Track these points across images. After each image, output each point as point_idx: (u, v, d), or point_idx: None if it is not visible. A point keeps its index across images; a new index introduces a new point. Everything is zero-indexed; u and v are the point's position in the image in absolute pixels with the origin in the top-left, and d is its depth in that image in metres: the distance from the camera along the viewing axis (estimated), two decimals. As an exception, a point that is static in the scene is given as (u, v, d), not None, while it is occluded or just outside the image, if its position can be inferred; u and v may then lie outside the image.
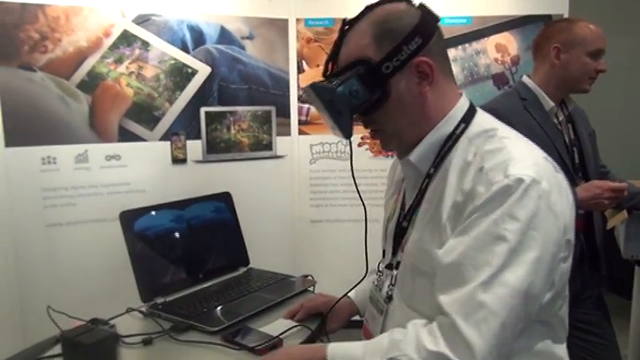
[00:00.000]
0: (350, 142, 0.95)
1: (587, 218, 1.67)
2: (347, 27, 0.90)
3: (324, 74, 0.92)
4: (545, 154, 0.86)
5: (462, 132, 0.89)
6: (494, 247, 0.75)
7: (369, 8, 0.89)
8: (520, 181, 0.76)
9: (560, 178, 0.85)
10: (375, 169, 2.37)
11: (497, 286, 0.74)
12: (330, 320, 1.21)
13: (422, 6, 0.89)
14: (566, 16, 2.31)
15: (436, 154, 0.90)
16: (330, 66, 0.91)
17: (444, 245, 0.81)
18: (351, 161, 1.00)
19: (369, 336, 1.02)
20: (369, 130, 0.96)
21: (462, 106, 0.91)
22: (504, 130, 0.88)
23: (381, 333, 0.94)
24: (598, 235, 1.70)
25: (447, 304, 0.77)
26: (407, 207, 0.96)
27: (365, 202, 1.04)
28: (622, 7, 3.30)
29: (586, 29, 1.61)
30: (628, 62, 3.28)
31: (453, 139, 0.89)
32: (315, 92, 0.85)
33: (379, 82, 0.85)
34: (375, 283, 1.04)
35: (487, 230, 0.76)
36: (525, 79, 1.72)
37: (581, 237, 1.66)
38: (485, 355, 0.73)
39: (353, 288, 1.16)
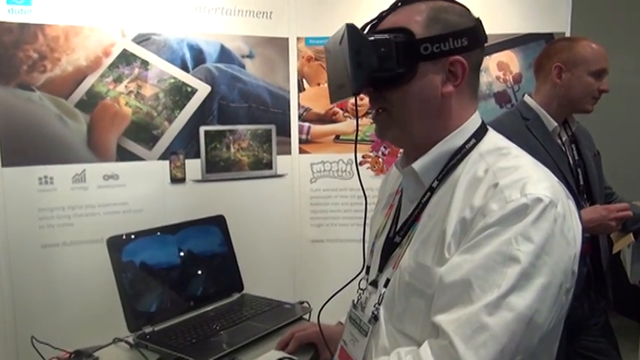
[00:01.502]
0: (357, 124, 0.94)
1: (593, 242, 1.63)
2: (401, 4, 0.88)
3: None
4: (557, 179, 0.82)
5: (473, 147, 0.86)
6: (505, 269, 0.71)
7: None
8: (538, 200, 0.73)
9: (572, 205, 0.82)
10: (377, 187, 2.34)
11: (503, 309, 0.70)
12: (323, 350, 1.17)
13: (478, 19, 0.88)
14: (568, 34, 2.28)
15: (442, 168, 0.86)
16: (366, 30, 0.88)
17: (445, 262, 0.77)
18: (356, 144, 0.96)
19: (345, 359, 0.97)
20: (373, 111, 0.92)
21: (475, 121, 0.89)
22: (518, 150, 0.86)
23: (365, 356, 0.90)
24: (604, 259, 1.66)
25: (445, 323, 0.73)
26: (401, 221, 0.92)
27: (367, 223, 1.01)
28: (625, 26, 3.27)
29: (588, 48, 1.58)
30: (631, 81, 3.24)
31: (462, 153, 0.86)
32: (348, 34, 0.80)
33: (410, 59, 0.82)
34: (355, 301, 0.98)
35: (499, 250, 0.72)
36: (527, 98, 1.69)
37: (587, 260, 1.62)
38: None
39: (333, 296, 1.03)
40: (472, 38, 0.85)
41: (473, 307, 0.71)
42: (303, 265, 2.47)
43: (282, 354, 1.14)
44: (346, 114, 2.44)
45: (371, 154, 2.44)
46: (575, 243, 0.78)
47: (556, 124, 1.63)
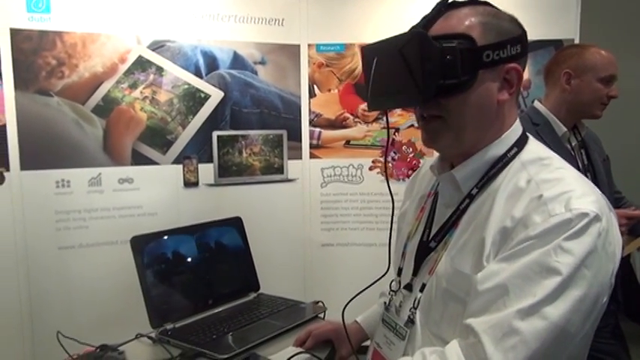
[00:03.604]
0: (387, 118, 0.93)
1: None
2: (444, 9, 0.85)
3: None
4: (600, 192, 0.81)
5: (514, 156, 0.85)
6: (543, 280, 0.71)
7: (473, 2, 0.85)
8: (584, 215, 0.72)
9: (613, 218, 0.80)
10: (387, 192, 2.36)
11: (536, 317, 0.71)
12: (339, 347, 1.20)
13: (522, 27, 0.87)
14: (576, 41, 2.31)
15: (482, 175, 0.86)
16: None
17: (482, 270, 0.77)
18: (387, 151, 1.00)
19: None
20: (420, 119, 0.88)
21: (516, 129, 0.88)
22: (560, 161, 0.85)
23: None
24: (614, 262, 1.67)
25: (476, 324, 0.73)
26: (436, 226, 0.92)
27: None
28: (634, 31, 3.29)
29: (597, 55, 1.61)
30: (641, 86, 3.25)
31: (503, 162, 0.85)
32: (420, 41, 0.78)
33: (473, 67, 0.80)
34: (387, 303, 0.98)
35: (538, 260, 0.72)
36: (537, 104, 1.72)
37: (597, 264, 1.64)
38: None
39: (358, 294, 1.02)
40: (523, 46, 0.84)
41: (506, 311, 0.72)
42: (314, 269, 2.50)
43: (299, 350, 1.17)
44: (356, 119, 2.47)
45: (381, 159, 2.47)
46: (615, 258, 0.77)
47: (565, 129, 1.65)
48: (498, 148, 0.86)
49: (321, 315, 1.41)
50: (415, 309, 0.89)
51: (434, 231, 0.92)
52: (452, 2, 0.86)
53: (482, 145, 0.86)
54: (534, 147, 0.88)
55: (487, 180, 0.85)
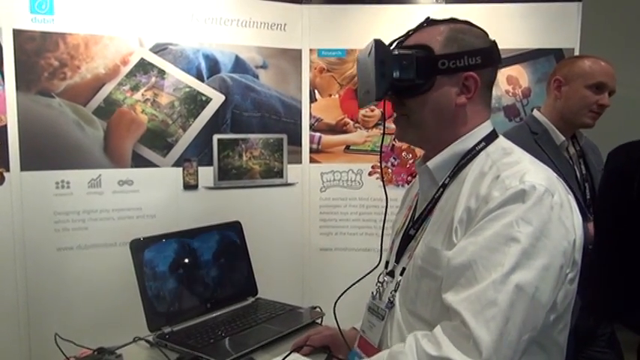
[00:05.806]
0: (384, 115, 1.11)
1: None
2: (426, 25, 0.98)
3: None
4: (557, 176, 0.90)
5: (482, 149, 0.95)
6: (507, 249, 0.78)
7: (453, 20, 0.97)
8: (534, 188, 0.81)
9: (571, 199, 0.89)
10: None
11: (508, 285, 0.77)
12: (337, 352, 1.21)
13: (494, 42, 0.98)
14: (577, 50, 2.32)
15: (454, 166, 0.95)
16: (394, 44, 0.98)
17: (452, 246, 0.85)
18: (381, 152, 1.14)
19: (364, 346, 1.03)
20: (394, 116, 1.01)
21: (485, 127, 0.98)
22: (521, 151, 0.95)
23: (381, 338, 0.98)
24: (611, 271, 1.67)
25: (456, 303, 0.79)
26: (417, 217, 1.00)
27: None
28: (634, 41, 3.30)
29: (588, 62, 1.60)
30: (641, 96, 3.26)
31: (472, 154, 0.95)
32: (375, 47, 0.91)
33: (429, 73, 0.92)
34: (374, 293, 1.05)
35: (500, 232, 0.79)
36: (536, 113, 1.73)
37: (594, 273, 1.64)
38: (491, 353, 0.75)
39: (349, 288, 1.12)
40: (485, 58, 0.94)
41: (480, 285, 0.78)
42: (312, 273, 2.50)
43: (297, 356, 1.17)
44: (356, 125, 2.48)
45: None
46: (575, 230, 0.86)
47: (564, 138, 1.66)
48: (467, 142, 0.96)
49: (319, 320, 1.41)
50: (395, 291, 0.97)
51: (414, 221, 1.01)
52: (433, 20, 0.98)
53: (451, 141, 0.96)
54: (501, 142, 0.98)
55: (457, 170, 0.95)
